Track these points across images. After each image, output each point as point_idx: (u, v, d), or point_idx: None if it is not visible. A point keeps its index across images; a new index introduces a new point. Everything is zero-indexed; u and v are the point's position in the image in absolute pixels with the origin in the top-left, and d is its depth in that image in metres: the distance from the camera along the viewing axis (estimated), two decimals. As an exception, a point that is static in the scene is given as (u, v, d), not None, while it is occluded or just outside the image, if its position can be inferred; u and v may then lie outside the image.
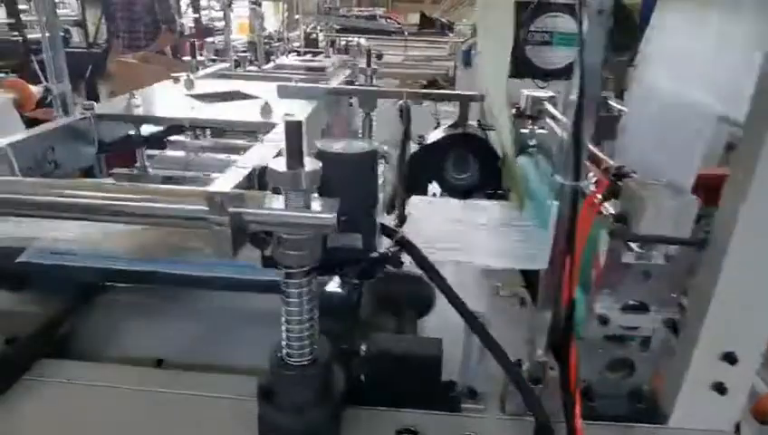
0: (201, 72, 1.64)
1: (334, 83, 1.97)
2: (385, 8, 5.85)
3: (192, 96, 1.20)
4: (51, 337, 0.97)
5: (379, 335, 0.93)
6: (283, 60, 3.48)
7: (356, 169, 0.78)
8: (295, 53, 4.41)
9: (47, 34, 1.60)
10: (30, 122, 1.55)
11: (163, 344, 1.03)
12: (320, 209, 0.69)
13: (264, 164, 0.80)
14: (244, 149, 1.16)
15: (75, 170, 1.00)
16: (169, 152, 1.15)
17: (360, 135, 1.73)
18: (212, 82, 1.36)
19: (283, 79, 1.75)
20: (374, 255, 0.82)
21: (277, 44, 5.02)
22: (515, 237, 1.04)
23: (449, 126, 1.33)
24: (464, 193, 1.22)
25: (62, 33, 5.12)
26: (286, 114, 1.02)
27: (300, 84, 1.36)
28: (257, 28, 4.18)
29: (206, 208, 0.65)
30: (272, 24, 8.63)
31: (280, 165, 0.68)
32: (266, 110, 0.99)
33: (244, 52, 4.03)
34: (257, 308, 1.09)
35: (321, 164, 0.69)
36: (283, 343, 0.79)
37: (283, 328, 0.78)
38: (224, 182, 0.68)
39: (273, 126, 1.02)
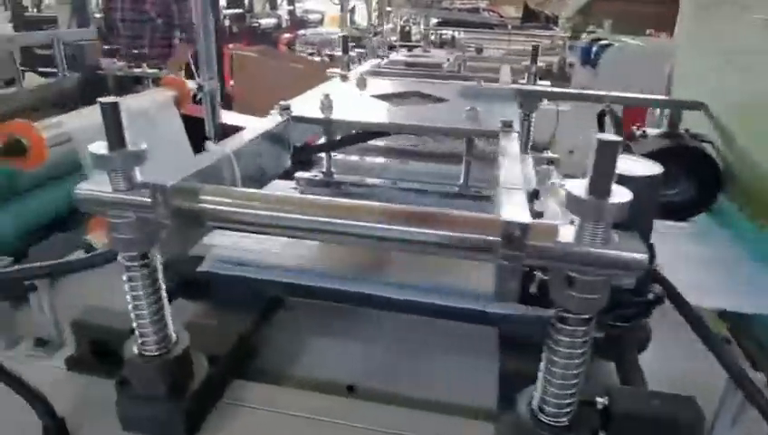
0: (356, 70, 1.56)
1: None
2: (487, 0, 5.63)
3: (376, 97, 1.11)
4: (242, 356, 0.90)
5: (622, 389, 0.79)
6: (396, 56, 3.37)
7: (644, 194, 0.64)
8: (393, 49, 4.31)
9: (201, 33, 1.57)
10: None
11: (354, 369, 0.94)
12: (628, 246, 0.55)
13: (529, 187, 0.68)
14: (440, 156, 1.06)
15: (273, 178, 0.93)
16: (352, 157, 1.07)
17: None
18: (381, 82, 1.27)
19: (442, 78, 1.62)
20: (648, 295, 0.68)
21: (374, 38, 4.97)
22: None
23: (659, 135, 1.16)
24: (675, 211, 1.05)
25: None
26: (503, 120, 0.91)
27: (486, 85, 1.24)
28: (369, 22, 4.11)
29: (498, 240, 0.54)
30: (360, 17, 8.64)
31: (580, 190, 0.55)
32: (473, 115, 0.88)
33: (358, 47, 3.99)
34: (456, 337, 0.99)
35: (631, 195, 0.55)
36: (536, 394, 0.67)
37: (542, 376, 0.65)
38: (515, 210, 0.56)
39: (483, 133, 0.91)
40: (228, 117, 1.70)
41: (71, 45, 1.57)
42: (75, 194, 0.66)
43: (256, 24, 5.90)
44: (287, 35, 6.39)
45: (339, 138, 0.96)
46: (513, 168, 0.72)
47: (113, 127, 0.63)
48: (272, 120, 0.88)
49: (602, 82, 2.72)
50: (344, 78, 1.26)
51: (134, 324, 0.75)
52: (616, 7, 6.61)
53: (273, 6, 6.74)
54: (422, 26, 5.49)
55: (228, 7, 5.72)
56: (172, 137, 1.41)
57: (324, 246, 1.00)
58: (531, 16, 5.05)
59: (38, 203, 1.17)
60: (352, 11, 8.54)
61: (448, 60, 3.25)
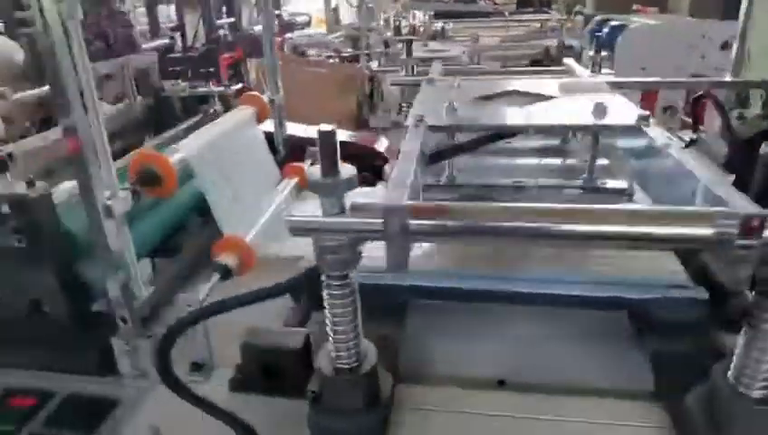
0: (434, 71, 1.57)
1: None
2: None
3: (482, 99, 1.13)
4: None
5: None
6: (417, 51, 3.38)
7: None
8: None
9: (266, 48, 1.59)
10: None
11: (501, 363, 0.97)
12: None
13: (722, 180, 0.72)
14: (556, 151, 1.09)
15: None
16: (473, 159, 1.09)
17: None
18: (472, 84, 1.29)
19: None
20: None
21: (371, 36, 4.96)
22: None
23: (758, 117, 1.20)
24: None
25: (169, 39, 5.20)
26: (640, 114, 0.94)
27: (585, 79, 1.26)
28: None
29: (734, 232, 0.57)
30: (345, 16, 8.59)
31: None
32: (602, 109, 0.91)
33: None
34: (590, 323, 1.03)
35: None
36: (733, 367, 0.72)
37: (742, 352, 0.70)
38: (743, 202, 0.60)
39: (621, 127, 0.94)
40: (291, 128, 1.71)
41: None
42: (287, 222, 0.69)
43: (251, 32, 5.85)
44: (278, 39, 6.35)
45: (468, 141, 0.99)
46: (689, 160, 0.76)
47: (329, 154, 0.66)
48: (415, 134, 0.91)
49: (621, 65, 2.77)
50: (431, 81, 1.28)
51: (330, 340, 0.77)
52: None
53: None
54: (412, 20, 5.52)
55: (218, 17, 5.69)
56: (258, 154, 1.43)
57: (445, 246, 1.03)
58: (525, 2, 5.11)
59: (156, 221, 1.19)
60: (336, 10, 8.53)
61: (464, 52, 3.29)
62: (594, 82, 1.28)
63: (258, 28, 6.12)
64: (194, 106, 1.61)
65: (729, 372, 0.73)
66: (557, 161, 1.07)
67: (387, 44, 4.10)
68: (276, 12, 7.14)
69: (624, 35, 2.79)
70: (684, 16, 5.76)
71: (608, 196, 0.98)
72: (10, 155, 0.92)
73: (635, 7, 5.68)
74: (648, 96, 2.58)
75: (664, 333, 0.94)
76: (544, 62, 4.90)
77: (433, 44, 3.82)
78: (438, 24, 5.25)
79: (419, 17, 6.59)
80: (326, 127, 0.65)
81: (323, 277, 0.73)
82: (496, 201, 1.02)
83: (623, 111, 1.03)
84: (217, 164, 1.18)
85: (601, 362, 0.98)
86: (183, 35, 5.40)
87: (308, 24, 7.90)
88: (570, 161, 1.07)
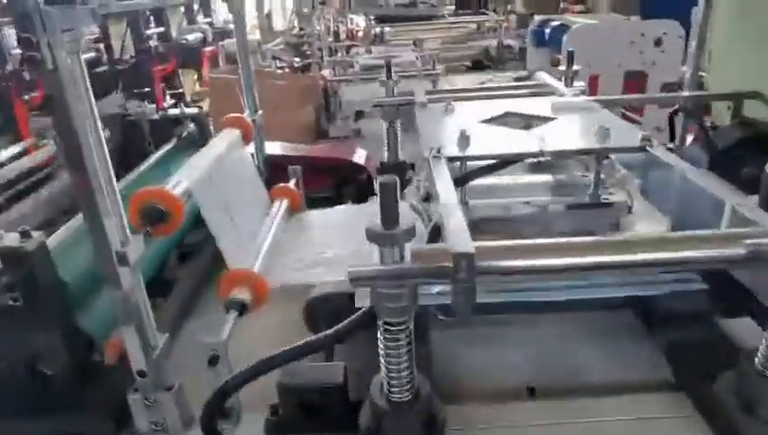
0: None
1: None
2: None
3: (485, 122, 1.14)
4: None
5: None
6: (364, 58, 3.36)
7: None
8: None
9: (241, 68, 1.53)
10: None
11: (526, 371, 0.99)
12: None
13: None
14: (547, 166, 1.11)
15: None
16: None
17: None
18: (465, 106, 1.29)
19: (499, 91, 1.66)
20: None
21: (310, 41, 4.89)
22: None
23: (731, 126, 1.29)
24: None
25: (95, 53, 4.87)
26: (643, 135, 0.99)
27: (575, 99, 1.29)
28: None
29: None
30: (277, 23, 8.42)
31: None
32: (605, 133, 0.95)
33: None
34: (599, 323, 1.07)
35: None
36: (760, 353, 0.76)
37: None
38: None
39: (627, 150, 0.99)
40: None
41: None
42: (349, 273, 0.65)
43: (184, 42, 5.61)
44: (209, 49, 6.16)
45: (488, 165, 0.99)
46: (702, 178, 0.81)
47: (390, 205, 0.64)
48: (440, 167, 0.90)
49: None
50: (423, 105, 1.27)
51: (384, 376, 0.75)
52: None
53: (192, 21, 6.41)
54: (350, 25, 5.49)
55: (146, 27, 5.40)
56: (249, 178, 1.36)
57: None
58: (463, 4, 5.22)
59: (147, 260, 1.11)
60: (269, 16, 8.34)
61: (417, 57, 3.31)
62: (583, 101, 1.33)
63: (192, 37, 5.89)
64: (166, 130, 1.51)
65: (756, 359, 0.78)
66: (548, 177, 1.12)
67: (333, 51, 4.06)
68: (207, 19, 6.90)
69: (570, 35, 2.91)
70: (605, 13, 6.14)
71: (613, 211, 1.02)
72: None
73: (562, 5, 5.99)
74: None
75: (675, 326, 0.99)
76: (484, 61, 5.07)
77: (377, 49, 3.82)
78: (377, 29, 5.27)
79: (357, 22, 6.59)
80: (388, 178, 0.63)
81: (380, 321, 0.71)
82: (517, 223, 1.05)
83: (625, 132, 1.08)
84: (216, 192, 1.11)
85: (620, 359, 1.02)
86: (108, 47, 5.08)
87: (241, 31, 7.65)
88: (560, 176, 1.12)
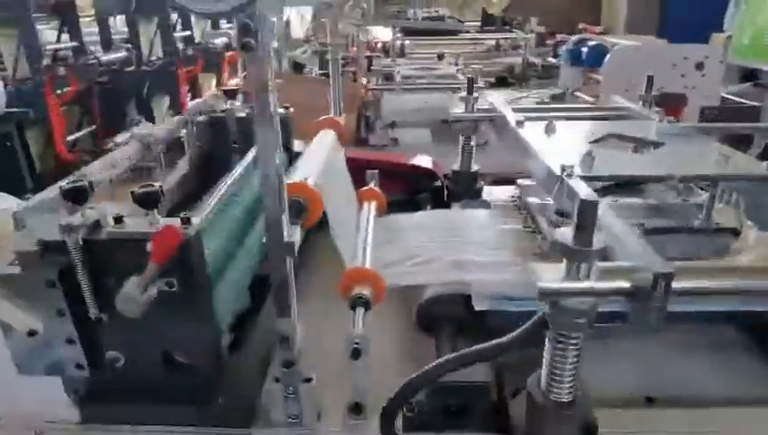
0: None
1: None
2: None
3: (594, 143, 1.16)
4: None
5: None
6: (405, 68, 3.40)
7: None
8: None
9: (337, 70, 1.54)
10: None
11: (644, 381, 1.00)
12: None
13: None
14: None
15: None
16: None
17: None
18: (567, 125, 1.31)
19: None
20: None
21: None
22: None
23: None
24: None
25: (127, 53, 4.88)
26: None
27: (679, 125, 1.30)
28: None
29: None
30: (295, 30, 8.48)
31: None
32: (723, 160, 0.97)
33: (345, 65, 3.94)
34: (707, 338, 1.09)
35: None
36: None
37: None
38: None
39: (755, 178, 1.01)
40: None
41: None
42: (539, 287, 0.67)
43: (212, 46, 5.64)
44: (228, 54, 6.21)
45: (609, 185, 1.01)
46: None
47: (589, 223, 0.66)
48: (578, 185, 0.92)
49: (609, 82, 2.95)
50: (520, 124, 1.30)
51: (546, 377, 0.76)
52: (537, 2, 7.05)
53: (216, 25, 6.45)
54: (370, 37, 5.53)
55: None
56: (345, 177, 1.38)
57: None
58: (488, 21, 5.29)
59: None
60: (288, 24, 8.41)
61: (457, 71, 3.36)
62: (685, 126, 1.36)
63: (219, 41, 5.92)
64: (250, 130, 1.51)
65: None
66: (650, 200, 1.14)
67: (371, 62, 4.10)
68: (229, 24, 6.94)
69: (612, 55, 2.96)
70: (621, 34, 6.25)
71: (724, 236, 1.05)
72: (161, 189, 0.82)
73: (581, 26, 6.08)
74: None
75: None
76: (509, 78, 5.13)
77: (401, 61, 3.89)
78: (398, 42, 5.33)
79: (375, 34, 6.65)
80: (590, 196, 0.65)
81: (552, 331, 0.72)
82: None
83: (741, 159, 1.11)
84: (331, 190, 1.12)
85: (733, 372, 1.03)
86: (138, 48, 5.10)
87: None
88: (651, 200, 1.15)
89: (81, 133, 4.66)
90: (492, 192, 1.62)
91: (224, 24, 6.61)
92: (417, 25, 4.76)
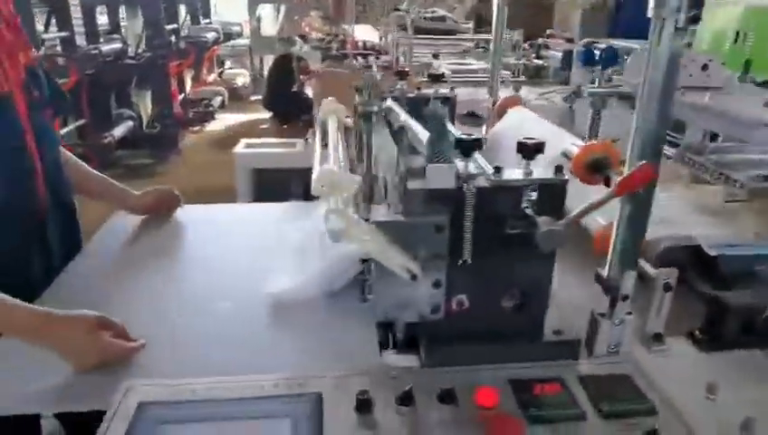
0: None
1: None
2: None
3: None
4: None
5: None
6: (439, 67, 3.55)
7: None
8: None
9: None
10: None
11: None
12: None
13: None
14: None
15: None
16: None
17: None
18: None
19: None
20: None
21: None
22: None
23: None
24: None
25: (121, 45, 4.68)
26: None
27: None
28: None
29: None
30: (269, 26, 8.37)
31: None
32: None
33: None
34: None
35: None
36: None
37: None
38: None
39: None
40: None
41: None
42: None
43: (203, 39, 5.49)
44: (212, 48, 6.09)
45: None
46: None
47: None
48: None
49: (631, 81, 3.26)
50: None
51: None
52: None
53: (196, 21, 6.24)
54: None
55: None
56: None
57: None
58: (481, 22, 5.55)
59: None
60: (259, 20, 8.28)
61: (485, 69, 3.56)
62: None
63: (210, 35, 5.77)
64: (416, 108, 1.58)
65: None
66: None
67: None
68: (207, 20, 6.76)
69: (633, 57, 3.27)
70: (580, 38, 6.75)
71: None
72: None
73: (549, 32, 6.51)
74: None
75: None
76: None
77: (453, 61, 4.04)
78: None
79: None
80: None
81: None
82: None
83: None
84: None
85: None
86: (124, 42, 4.87)
87: (240, 34, 7.57)
88: None
89: (69, 128, 4.40)
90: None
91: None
92: (420, 24, 4.92)
